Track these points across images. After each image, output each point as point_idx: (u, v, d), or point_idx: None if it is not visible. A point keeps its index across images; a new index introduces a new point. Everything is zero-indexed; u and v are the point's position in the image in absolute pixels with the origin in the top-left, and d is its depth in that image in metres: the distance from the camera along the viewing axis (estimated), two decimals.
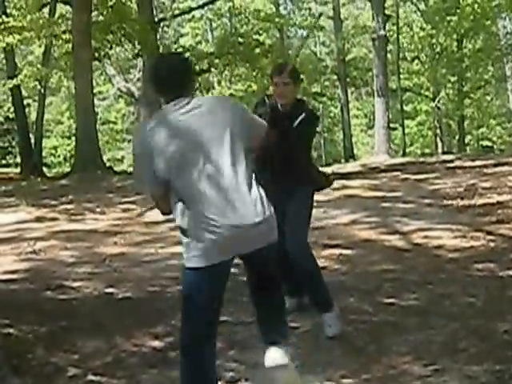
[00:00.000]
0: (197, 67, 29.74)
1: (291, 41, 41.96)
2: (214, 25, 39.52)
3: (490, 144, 43.53)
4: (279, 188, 5.47)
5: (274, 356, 4.21)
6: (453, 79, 36.31)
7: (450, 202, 11.77)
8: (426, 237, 9.17)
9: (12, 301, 6.51)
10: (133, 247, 9.17)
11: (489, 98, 40.54)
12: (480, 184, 13.28)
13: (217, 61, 29.84)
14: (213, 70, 30.90)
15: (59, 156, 43.57)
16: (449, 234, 9.24)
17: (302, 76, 6.34)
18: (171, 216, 4.00)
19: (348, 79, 35.81)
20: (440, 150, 38.89)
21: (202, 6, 31.18)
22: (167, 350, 5.37)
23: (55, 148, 43.89)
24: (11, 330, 5.64)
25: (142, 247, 9.16)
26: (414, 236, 9.28)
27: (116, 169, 21.28)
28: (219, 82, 36.62)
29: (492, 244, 8.64)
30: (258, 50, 29.98)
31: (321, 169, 6.51)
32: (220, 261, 3.84)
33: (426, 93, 40.45)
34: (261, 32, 35.84)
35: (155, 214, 11.87)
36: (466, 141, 41.70)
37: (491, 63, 34.49)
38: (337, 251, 8.55)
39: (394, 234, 9.40)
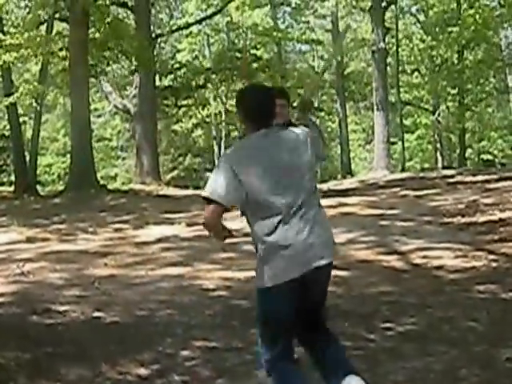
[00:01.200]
0: (193, 83, 29.82)
1: (289, 55, 41.87)
2: (212, 40, 39.41)
3: (490, 157, 43.30)
4: None
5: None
6: (453, 92, 36.14)
7: (450, 219, 11.58)
8: (425, 257, 8.99)
9: None
10: (123, 269, 8.99)
11: (490, 110, 40.32)
12: (482, 200, 13.10)
13: (213, 76, 29.84)
14: (209, 85, 30.88)
15: (53, 174, 43.35)
16: (449, 254, 9.06)
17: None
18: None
19: (346, 93, 35.75)
20: (440, 165, 38.71)
21: (199, 21, 31.10)
22: (153, 378, 5.23)
23: (49, 166, 43.69)
24: None
25: (132, 269, 8.98)
26: (412, 256, 9.10)
27: (109, 187, 21.00)
28: (215, 98, 36.49)
29: (494, 264, 8.46)
30: (255, 65, 29.99)
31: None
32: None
33: (426, 106, 40.31)
34: (258, 46, 35.79)
35: (147, 234, 11.84)
36: (467, 154, 41.50)
37: (493, 75, 34.30)
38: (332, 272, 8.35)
39: (393, 254, 9.21)
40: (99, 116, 40.89)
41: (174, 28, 32.17)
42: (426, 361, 5.28)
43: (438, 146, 40.84)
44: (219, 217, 4.06)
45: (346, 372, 4.11)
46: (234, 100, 4.45)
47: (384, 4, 25.16)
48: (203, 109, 34.34)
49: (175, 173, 40.24)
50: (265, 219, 4.02)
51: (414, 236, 10.34)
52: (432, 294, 7.29)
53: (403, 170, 29.90)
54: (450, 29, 28.40)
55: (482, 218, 11.29)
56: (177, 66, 28.35)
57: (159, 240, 11.03)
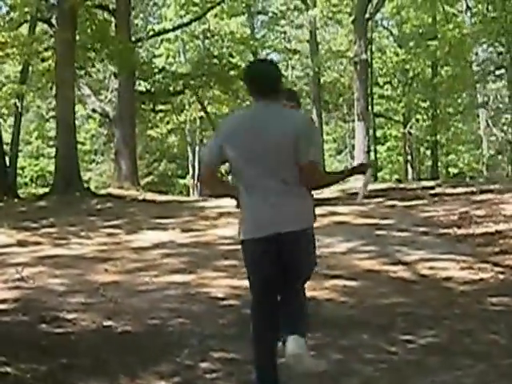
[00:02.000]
0: (171, 88, 29.44)
1: None
2: (187, 46, 39.08)
3: (455, 171, 43.43)
4: None
5: (293, 345, 4.46)
6: (424, 105, 36.17)
7: (446, 230, 11.40)
8: (431, 268, 8.77)
9: (6, 335, 5.98)
10: (125, 275, 8.64)
11: (460, 124, 40.46)
12: (473, 212, 12.93)
13: (192, 82, 29.51)
14: (187, 91, 30.52)
15: (25, 177, 42.63)
16: (454, 265, 8.85)
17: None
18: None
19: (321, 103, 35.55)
20: (410, 176, 38.71)
21: (179, 27, 30.73)
22: None
23: (22, 169, 43.03)
24: (9, 369, 5.14)
25: (135, 275, 8.63)
26: (418, 267, 8.87)
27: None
28: (189, 104, 36.14)
29: (501, 276, 8.28)
30: (232, 73, 29.71)
31: None
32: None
33: (396, 118, 40.31)
34: (234, 54, 35.53)
35: (142, 240, 11.51)
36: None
37: (464, 90, 34.40)
38: (339, 282, 8.12)
39: (398, 265, 8.97)
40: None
41: (151, 33, 31.82)
42: (455, 375, 5.07)
43: (409, 157, 40.82)
44: (210, 175, 4.69)
45: (291, 331, 4.52)
46: (243, 73, 5.06)
47: (367, 16, 25.01)
48: (180, 114, 33.96)
49: (150, 178, 39.84)
50: (241, 184, 4.55)
51: (414, 247, 10.12)
52: (446, 306, 7.06)
53: (375, 180, 29.81)
54: (429, 42, 28.33)
55: (478, 230, 11.11)
56: (155, 70, 27.81)
57: (156, 246, 10.69)
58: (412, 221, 12.56)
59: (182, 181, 44.32)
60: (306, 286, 4.87)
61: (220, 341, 6.06)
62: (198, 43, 38.51)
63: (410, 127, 38.39)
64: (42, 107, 37.85)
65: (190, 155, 42.09)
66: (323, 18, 34.90)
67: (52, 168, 41.41)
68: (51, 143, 40.92)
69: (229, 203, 17.47)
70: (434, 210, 13.75)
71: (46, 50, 19.56)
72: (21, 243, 11.34)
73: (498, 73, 33.45)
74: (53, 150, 40.65)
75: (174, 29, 30.67)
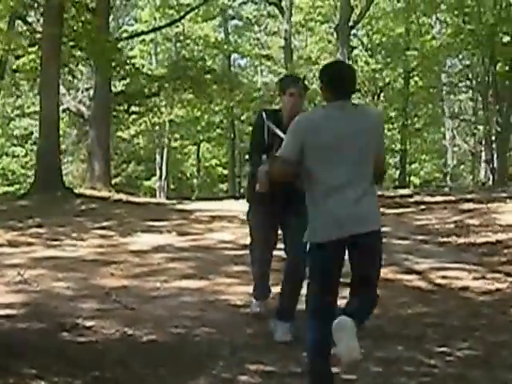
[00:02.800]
0: (146, 90, 28.90)
1: (235, 70, 41.26)
2: (158, 49, 38.57)
3: (416, 180, 43.42)
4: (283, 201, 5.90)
5: (345, 323, 4.40)
6: (392, 114, 36.07)
7: (445, 239, 11.08)
8: (444, 277, 8.45)
9: (28, 344, 5.50)
10: (133, 280, 8.16)
11: (425, 134, 40.46)
12: (467, 221, 12.66)
13: (167, 84, 29.03)
14: (162, 93, 30.02)
15: None
16: (467, 275, 8.53)
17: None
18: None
19: None
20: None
21: (155, 30, 30.17)
22: None
23: None
24: (43, 383, 4.67)
25: (143, 280, 8.16)
26: (431, 276, 8.53)
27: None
28: (160, 108, 35.61)
29: None
30: (208, 76, 29.31)
31: None
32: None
33: None
34: (207, 58, 35.11)
35: (138, 243, 11.02)
36: (396, 176, 41.56)
37: (433, 101, 34.42)
38: None
39: (410, 274, 8.62)
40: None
41: (125, 34, 31.26)
42: None
43: None
44: (285, 173, 4.66)
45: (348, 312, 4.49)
46: (320, 71, 4.79)
47: (351, 24, 24.76)
48: (153, 117, 33.43)
49: (118, 179, 39.12)
50: (316, 184, 4.48)
51: (419, 255, 9.79)
52: (471, 317, 6.76)
53: None
54: (407, 53, 28.23)
55: (478, 240, 10.82)
56: (132, 71, 27.22)
57: (156, 249, 10.21)
58: (407, 229, 12.25)
59: (146, 183, 43.70)
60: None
61: (252, 352, 5.68)
62: (170, 46, 38.07)
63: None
64: (6, 106, 36.90)
65: (158, 158, 41.54)
66: (296, 25, 34.76)
67: (15, 167, 41.02)
68: (15, 142, 40.19)
69: (213, 207, 17.17)
70: (426, 219, 13.45)
71: (30, 45, 18.86)
72: (11, 243, 10.79)
73: (462, 84, 33.52)
74: (18, 149, 40.39)
75: (151, 30, 30.11)
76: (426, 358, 5.56)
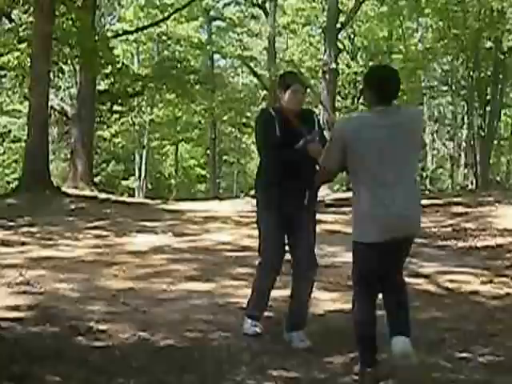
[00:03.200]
0: (130, 89, 28.59)
1: (216, 70, 41.05)
2: (140, 48, 38.24)
3: None
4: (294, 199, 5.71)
5: (402, 345, 4.77)
6: None
7: (445, 242, 10.98)
8: (452, 281, 8.31)
9: (47, 349, 5.24)
10: (138, 282, 7.90)
11: None
12: (463, 225, 12.55)
13: (151, 84, 28.78)
14: (145, 92, 29.76)
15: None
16: (474, 279, 8.41)
17: None
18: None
19: None
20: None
21: (140, 30, 29.79)
22: None
23: None
24: None
25: (149, 282, 7.91)
26: (439, 280, 8.39)
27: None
28: (142, 107, 35.31)
29: None
30: (192, 77, 29.11)
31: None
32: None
33: None
34: (190, 58, 34.85)
35: (135, 243, 10.76)
36: None
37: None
38: None
39: (418, 277, 8.45)
40: (19, 118, 39.00)
41: (109, 34, 30.82)
42: None
43: None
44: (327, 175, 4.93)
45: (397, 332, 4.83)
46: (365, 74, 4.90)
47: (338, 26, 24.61)
48: (136, 116, 33.14)
49: (98, 178, 38.75)
50: (364, 183, 4.59)
51: (423, 258, 9.62)
52: (487, 322, 6.61)
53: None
54: (393, 56, 28.15)
55: (479, 244, 10.73)
56: (120, 70, 26.89)
57: (154, 250, 9.97)
58: None
59: (124, 182, 43.37)
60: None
61: (273, 357, 5.48)
62: (152, 46, 37.78)
63: None
64: None
65: (137, 157, 41.25)
66: (278, 27, 34.58)
67: None
68: None
69: (201, 207, 16.95)
70: (421, 222, 13.30)
71: (20, 42, 18.47)
72: (4, 243, 10.49)
73: (444, 89, 33.56)
74: None
75: (136, 30, 29.75)
76: (449, 364, 5.41)
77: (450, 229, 12.19)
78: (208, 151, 45.48)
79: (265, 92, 35.71)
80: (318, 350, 5.63)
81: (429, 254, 10.14)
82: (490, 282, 8.28)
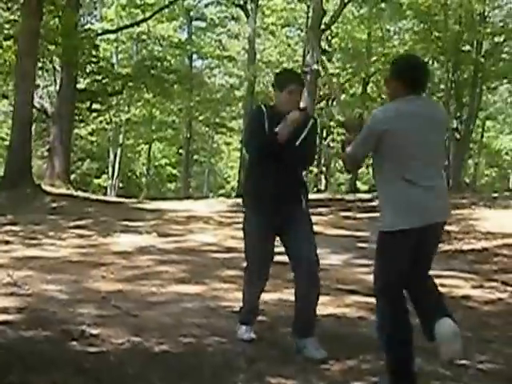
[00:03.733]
0: (109, 88, 28.26)
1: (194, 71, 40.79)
2: (120, 48, 37.83)
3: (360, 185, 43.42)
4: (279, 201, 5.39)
5: (450, 324, 4.59)
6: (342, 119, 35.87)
7: None
8: (442, 285, 8.04)
9: (41, 355, 5.00)
10: (126, 284, 7.68)
11: None
12: (446, 227, 12.38)
13: (131, 83, 28.50)
14: (125, 92, 29.45)
15: None
16: (464, 283, 8.30)
17: None
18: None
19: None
20: (323, 187, 38.36)
21: (120, 29, 29.46)
22: None
23: None
24: None
25: (137, 284, 7.70)
26: None
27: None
28: (120, 106, 34.98)
29: None
30: (172, 76, 28.87)
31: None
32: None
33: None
34: (169, 58, 34.56)
35: (120, 243, 10.52)
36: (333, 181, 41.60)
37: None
38: (360, 298, 7.43)
39: None
40: None
41: (91, 33, 30.42)
42: None
43: (324, 169, 40.49)
44: (354, 162, 4.74)
45: (441, 314, 4.61)
46: (395, 64, 4.62)
47: (322, 27, 24.42)
48: (114, 115, 32.81)
49: (73, 176, 38.33)
50: (398, 170, 4.40)
51: None
52: (482, 328, 6.49)
53: None
54: (374, 58, 28.05)
55: (464, 247, 10.62)
56: (96, 69, 26.56)
57: (140, 251, 9.76)
58: None
59: (96, 180, 42.97)
60: None
61: (270, 364, 5.30)
62: (131, 45, 37.43)
63: (332, 140, 38.04)
64: None
65: (111, 156, 40.85)
66: (257, 28, 34.39)
67: None
68: None
69: (179, 207, 16.73)
70: None
71: (6, 39, 18.09)
72: None
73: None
74: None
75: (119, 29, 29.40)
76: (449, 372, 5.24)
77: None
78: (181, 150, 45.27)
79: (241, 93, 35.58)
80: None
81: None
82: (481, 286, 8.17)
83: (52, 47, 19.89)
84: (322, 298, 7.27)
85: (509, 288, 8.08)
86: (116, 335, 5.72)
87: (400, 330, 4.63)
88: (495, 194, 21.08)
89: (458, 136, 24.64)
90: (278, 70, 7.00)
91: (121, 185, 42.45)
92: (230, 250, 9.87)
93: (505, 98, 42.48)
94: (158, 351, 5.45)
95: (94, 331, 5.76)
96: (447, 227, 12.20)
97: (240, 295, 7.13)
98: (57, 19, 19.83)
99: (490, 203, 15.89)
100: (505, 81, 29.85)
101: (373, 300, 7.23)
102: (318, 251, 9.78)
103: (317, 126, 5.69)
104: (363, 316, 6.80)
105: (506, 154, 40.25)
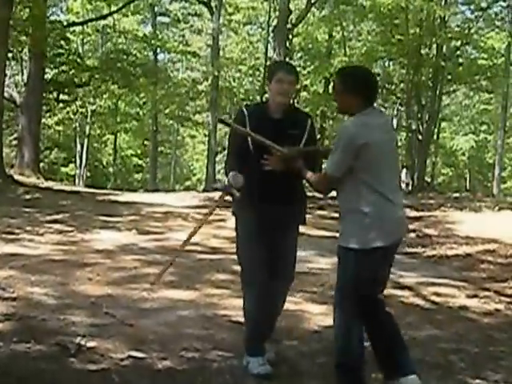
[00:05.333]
0: (76, 79, 27.46)
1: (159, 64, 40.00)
2: (85, 40, 36.89)
3: None
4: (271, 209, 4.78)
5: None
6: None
7: (412, 249, 10.41)
8: (437, 294, 7.72)
9: (39, 375, 4.41)
10: (115, 287, 7.04)
11: None
12: (425, 231, 12.03)
13: (97, 75, 27.74)
14: (91, 83, 28.64)
15: None
16: (458, 292, 7.84)
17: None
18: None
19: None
20: None
21: (84, 23, 28.58)
22: None
23: None
24: None
25: (126, 287, 7.07)
26: (424, 292, 7.78)
27: None
28: (87, 97, 34.05)
29: None
30: (138, 70, 28.20)
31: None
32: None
33: None
34: (134, 52, 33.80)
35: (100, 240, 9.87)
36: None
37: None
38: None
39: (403, 289, 7.81)
40: None
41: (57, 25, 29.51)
42: None
43: None
44: (331, 184, 4.34)
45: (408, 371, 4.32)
46: (350, 76, 4.34)
47: (289, 26, 23.91)
48: (81, 106, 31.96)
49: (41, 165, 37.28)
50: (370, 186, 4.17)
51: (398, 267, 8.81)
52: (488, 343, 6.02)
53: None
54: (338, 59, 27.61)
55: (448, 252, 10.20)
56: (64, 60, 25.67)
57: (122, 249, 9.12)
58: None
59: (63, 169, 41.97)
60: None
61: (278, 382, 4.77)
62: (96, 38, 36.58)
63: None
64: None
65: (78, 145, 39.98)
66: (221, 25, 33.79)
67: None
68: None
69: (152, 200, 16.10)
70: None
71: None
72: None
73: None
74: None
75: (84, 22, 28.55)
76: None
77: (413, 235, 11.64)
78: (146, 142, 44.66)
79: (203, 87, 34.94)
80: (325, 373, 4.93)
81: (401, 261, 9.53)
82: (475, 296, 7.73)
83: (22, 38, 19.03)
84: (320, 308, 6.84)
85: (503, 298, 7.66)
86: (115, 349, 5.13)
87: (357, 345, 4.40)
88: (456, 194, 20.91)
89: (419, 137, 24.35)
90: (270, 63, 6.59)
91: (88, 174, 41.59)
92: (214, 250, 9.31)
93: (460, 100, 42.70)
94: (162, 368, 4.89)
95: (91, 343, 5.16)
96: (426, 230, 12.03)
97: (236, 302, 6.59)
98: (27, 9, 18.93)
99: (460, 205, 15.57)
100: (462, 85, 29.79)
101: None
102: (305, 253, 9.45)
103: (314, 124, 5.04)
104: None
105: (463, 154, 40.34)
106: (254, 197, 4.76)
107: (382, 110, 4.73)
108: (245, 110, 4.89)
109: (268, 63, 27.09)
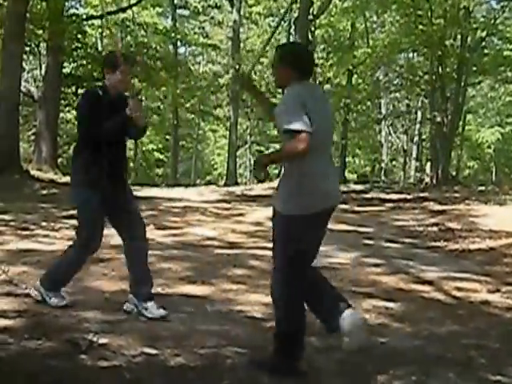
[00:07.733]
0: (95, 73, 27.48)
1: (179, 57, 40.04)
2: (104, 34, 36.98)
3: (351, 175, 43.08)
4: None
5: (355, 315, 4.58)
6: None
7: (434, 243, 10.33)
8: (458, 289, 7.64)
9: (53, 373, 4.38)
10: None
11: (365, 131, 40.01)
12: (448, 224, 11.92)
13: None
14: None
15: None
16: (480, 287, 7.77)
17: None
18: None
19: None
20: None
21: (103, 16, 28.58)
22: None
23: None
24: None
25: None
26: (445, 287, 7.70)
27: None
28: None
29: None
30: (158, 63, 28.23)
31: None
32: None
33: None
34: (154, 45, 33.83)
35: (115, 235, 9.83)
36: None
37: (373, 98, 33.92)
38: (378, 303, 6.85)
39: (423, 284, 7.76)
40: None
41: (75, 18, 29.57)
42: None
43: None
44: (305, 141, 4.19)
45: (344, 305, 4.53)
46: (285, 50, 4.61)
47: (310, 17, 23.81)
48: None
49: (59, 161, 37.49)
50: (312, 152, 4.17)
51: (420, 262, 8.98)
52: (509, 339, 5.96)
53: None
54: (361, 50, 27.47)
55: (471, 246, 10.09)
56: (82, 54, 25.78)
57: None
58: (390, 230, 11.44)
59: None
60: None
61: (299, 381, 4.73)
62: (115, 31, 36.60)
63: None
64: None
65: None
66: (241, 17, 33.74)
67: None
68: None
69: (171, 195, 16.12)
70: (403, 219, 12.68)
71: None
72: None
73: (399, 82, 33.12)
74: None
75: (103, 15, 28.56)
76: None
77: (435, 228, 11.54)
78: (167, 136, 44.76)
79: (224, 80, 34.93)
80: (342, 369, 4.89)
81: (423, 256, 9.49)
82: (498, 290, 7.64)
83: (39, 31, 19.12)
84: None
85: None
86: (127, 345, 5.10)
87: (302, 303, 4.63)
88: (481, 187, 20.73)
89: (444, 129, 24.13)
90: (106, 53, 7.29)
91: None
92: (231, 245, 9.25)
93: (485, 92, 42.34)
94: (175, 365, 4.85)
95: (103, 340, 5.13)
96: (449, 224, 11.92)
97: (252, 297, 6.58)
98: (44, 3, 19.00)
99: (484, 198, 15.42)
100: (487, 77, 29.49)
101: (389, 305, 6.75)
102: (324, 248, 9.37)
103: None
104: (384, 323, 6.23)
105: (489, 147, 40.00)
106: None
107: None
108: (91, 93, 5.86)
109: None
